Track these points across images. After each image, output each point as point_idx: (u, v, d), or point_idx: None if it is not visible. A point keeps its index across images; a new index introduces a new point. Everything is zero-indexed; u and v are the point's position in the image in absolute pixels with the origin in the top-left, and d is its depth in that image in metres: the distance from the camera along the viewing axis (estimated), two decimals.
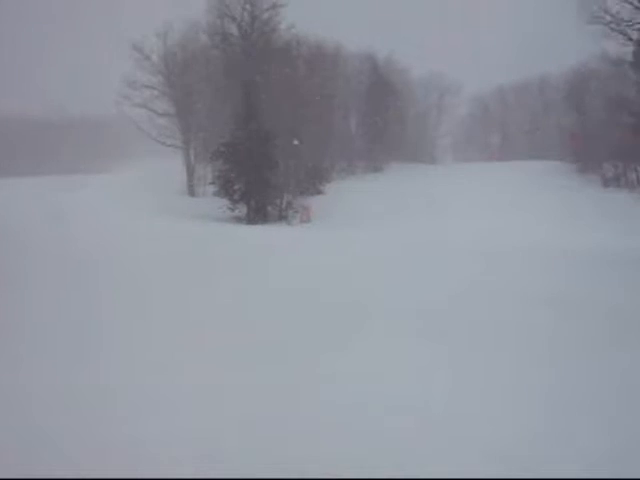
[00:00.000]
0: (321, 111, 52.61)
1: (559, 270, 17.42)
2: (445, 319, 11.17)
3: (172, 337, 9.81)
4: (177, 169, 54.13)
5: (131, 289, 13.52)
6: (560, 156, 64.23)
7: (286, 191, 44.39)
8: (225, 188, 42.43)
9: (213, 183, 44.30)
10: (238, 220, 40.70)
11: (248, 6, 49.41)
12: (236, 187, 42.32)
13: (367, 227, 36.24)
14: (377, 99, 62.60)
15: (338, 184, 54.33)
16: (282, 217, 43.30)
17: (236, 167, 42.36)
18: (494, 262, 19.11)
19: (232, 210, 41.28)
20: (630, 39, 23.65)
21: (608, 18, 22.61)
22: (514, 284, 14.85)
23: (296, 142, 43.84)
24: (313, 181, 49.61)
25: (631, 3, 20.49)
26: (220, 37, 49.10)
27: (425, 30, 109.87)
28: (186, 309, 11.79)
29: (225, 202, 41.55)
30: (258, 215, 41.93)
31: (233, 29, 49.33)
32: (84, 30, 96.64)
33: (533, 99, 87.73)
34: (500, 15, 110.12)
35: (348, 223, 39.49)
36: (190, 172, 51.06)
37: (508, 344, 9.51)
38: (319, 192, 50.04)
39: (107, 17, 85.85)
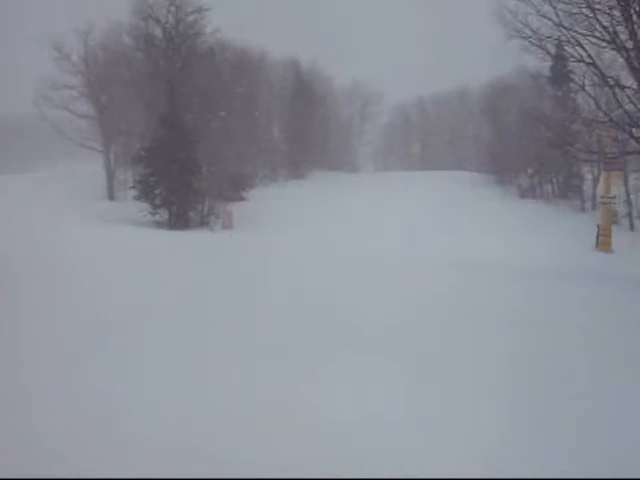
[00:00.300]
0: (244, 117, 52.64)
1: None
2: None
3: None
4: (96, 173, 53.30)
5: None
6: (479, 167, 65.99)
7: (208, 197, 44.17)
8: (146, 192, 41.96)
9: (134, 187, 43.73)
10: (159, 225, 40.29)
11: (173, 9, 48.81)
12: (157, 192, 41.93)
13: (289, 234, 36.44)
14: (300, 106, 63.04)
15: (261, 191, 54.46)
16: (204, 223, 43.10)
17: (157, 171, 41.97)
18: (410, 273, 19.47)
19: (153, 215, 40.89)
20: (549, 54, 24.63)
21: (528, 32, 23.47)
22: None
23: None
24: (235, 187, 49.50)
25: (551, 19, 21.35)
26: (144, 39, 48.41)
27: (348, 39, 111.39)
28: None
29: (146, 206, 41.14)
30: (179, 220, 41.62)
31: (157, 32, 48.69)
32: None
33: (453, 110, 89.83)
34: (422, 26, 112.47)
35: (270, 229, 39.66)
36: (110, 176, 50.26)
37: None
38: (241, 198, 50.00)
39: (25, 14, 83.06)
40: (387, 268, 19.69)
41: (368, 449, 5.83)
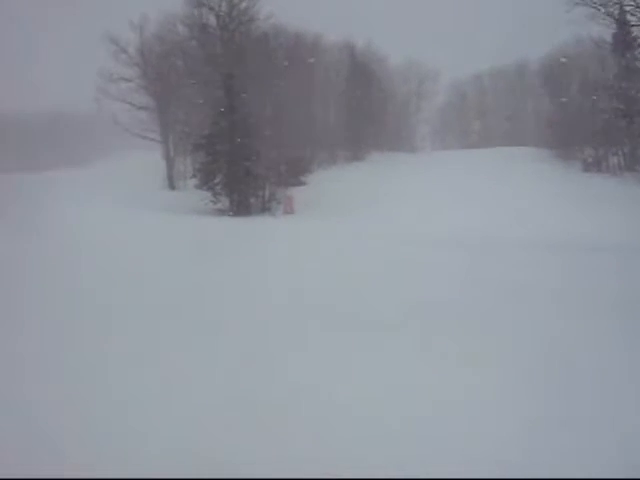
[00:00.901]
0: (301, 101, 52.46)
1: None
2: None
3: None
4: (155, 163, 53.76)
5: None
6: (539, 142, 64.39)
7: (268, 182, 44.12)
8: (206, 181, 42.15)
9: (194, 176, 44.02)
10: (221, 213, 40.44)
11: None
12: (217, 180, 42.08)
13: (351, 217, 36.12)
14: (357, 88, 62.40)
15: (320, 174, 54.12)
16: (265, 209, 43.06)
17: (217, 159, 42.12)
18: (481, 255, 19.02)
19: (214, 203, 41.04)
20: (615, 19, 23.68)
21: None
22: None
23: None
24: (295, 172, 49.32)
25: None
26: (198, 28, 48.55)
27: (402, 17, 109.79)
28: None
29: (207, 195, 41.35)
30: (241, 207, 41.67)
31: (211, 19, 48.83)
32: (57, 22, 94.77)
33: (511, 85, 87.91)
34: (478, 1, 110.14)
35: (332, 213, 39.36)
36: (170, 165, 50.64)
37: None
38: (301, 183, 49.79)
39: (81, 9, 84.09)
40: (469, 253, 19.25)
41: None
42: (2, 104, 72.89)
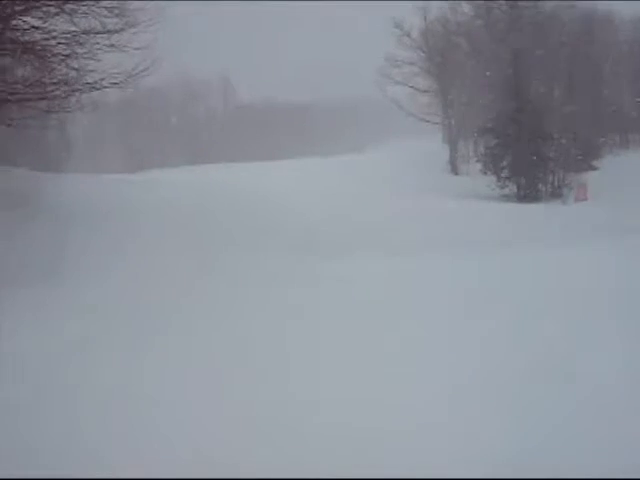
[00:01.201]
0: (591, 81, 48.73)
1: None
2: None
3: None
4: (434, 148, 52.93)
5: None
6: None
7: (558, 167, 41.29)
8: (492, 165, 40.50)
9: (479, 161, 42.56)
10: (507, 199, 38.53)
11: None
12: (504, 164, 40.22)
13: None
14: None
15: (611, 159, 49.93)
16: (555, 195, 40.31)
17: (504, 142, 40.21)
18: None
19: (501, 188, 39.24)
20: None
21: None
22: None
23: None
24: (586, 156, 45.78)
25: None
26: (484, 6, 46.84)
27: None
28: None
29: (492, 179, 39.67)
30: (529, 193, 39.40)
31: None
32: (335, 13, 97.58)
33: None
34: None
35: (630, 201, 35.70)
36: (453, 149, 49.50)
37: None
38: (593, 168, 46.11)
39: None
40: None
41: None
42: (293, 94, 76.47)
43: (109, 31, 15.39)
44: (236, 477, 5.05)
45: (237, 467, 5.22)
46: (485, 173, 40.78)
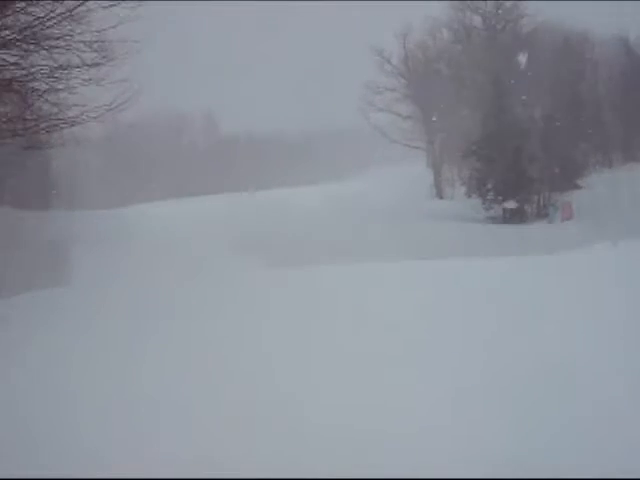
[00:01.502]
0: (570, 101, 49.09)
1: None
2: None
3: None
4: (418, 173, 52.99)
5: None
6: None
7: (543, 187, 41.44)
8: (477, 188, 40.65)
9: (464, 184, 42.72)
10: (494, 220, 38.65)
11: None
12: (489, 186, 40.34)
13: None
14: (632, 85, 57.21)
15: (594, 178, 50.13)
16: (540, 215, 40.42)
17: (488, 165, 40.38)
18: None
19: (487, 210, 39.31)
20: None
21: None
22: None
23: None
24: (568, 175, 45.95)
25: None
26: (463, 31, 47.32)
27: None
28: None
29: (478, 202, 39.79)
30: (515, 214, 39.47)
31: (476, 20, 47.40)
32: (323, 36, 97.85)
33: None
34: None
35: (615, 220, 35.71)
36: (436, 173, 49.63)
37: None
38: (576, 187, 46.26)
39: (346, 26, 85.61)
40: None
41: None
42: (273, 124, 76.47)
43: (87, 65, 15.23)
44: (236, 477, 5.03)
45: (237, 467, 5.21)
46: (469, 196, 40.87)
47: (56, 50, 15.57)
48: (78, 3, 14.90)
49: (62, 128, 16.32)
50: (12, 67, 15.83)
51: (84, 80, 15.62)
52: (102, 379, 7.48)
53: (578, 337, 8.19)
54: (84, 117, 15.82)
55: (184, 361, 8.14)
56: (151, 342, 9.05)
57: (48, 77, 15.48)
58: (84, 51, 15.60)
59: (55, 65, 15.64)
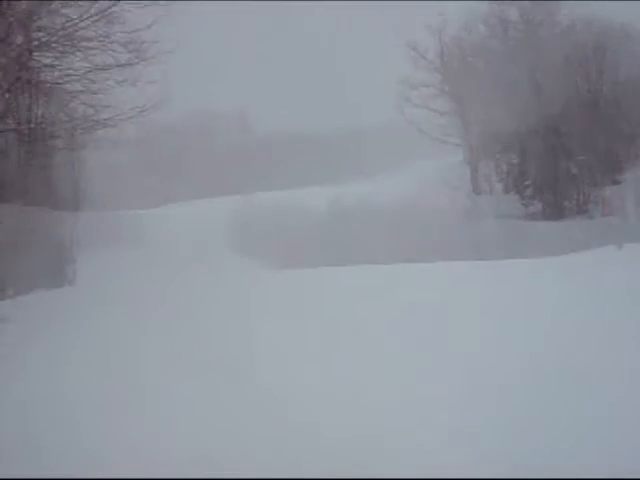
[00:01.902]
0: (611, 94, 48.15)
1: None
2: None
3: None
4: (455, 169, 52.29)
5: None
6: None
7: (583, 183, 40.64)
8: (515, 184, 40.05)
9: (501, 180, 42.10)
10: (533, 217, 38.02)
11: None
12: (527, 182, 39.71)
13: None
14: None
15: (634, 172, 49.14)
16: (580, 211, 39.61)
17: (527, 161, 39.76)
18: None
19: (526, 206, 38.68)
20: None
21: None
22: None
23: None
24: (608, 170, 45.07)
25: None
26: (500, 25, 46.58)
27: None
28: None
29: (516, 198, 39.20)
30: (554, 210, 38.75)
31: (513, 14, 46.59)
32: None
33: None
34: None
35: None
36: (473, 169, 48.94)
37: None
38: (616, 182, 45.35)
39: (384, 23, 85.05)
40: None
41: None
42: (305, 122, 76.18)
43: (122, 65, 15.16)
44: (236, 477, 5.01)
45: (237, 467, 5.17)
46: (507, 192, 40.23)
47: (91, 51, 15.54)
48: (112, 3, 14.82)
49: (97, 129, 16.31)
50: (48, 69, 15.83)
51: (118, 82, 15.56)
52: (102, 379, 7.53)
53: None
54: (118, 118, 15.76)
55: (184, 361, 8.16)
56: (151, 342, 9.16)
57: (83, 78, 15.45)
58: (119, 52, 15.61)
59: (90, 66, 15.61)
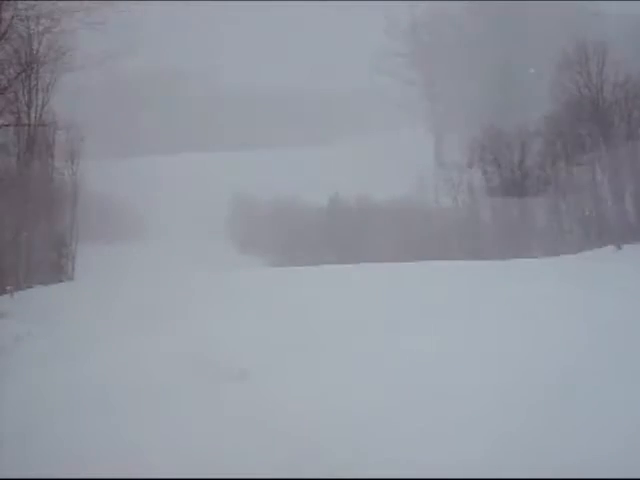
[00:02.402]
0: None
1: None
2: None
3: None
4: (420, 139, 52.32)
5: None
6: None
7: (545, 161, 40.98)
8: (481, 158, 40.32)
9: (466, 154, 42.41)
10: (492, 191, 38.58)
11: None
12: (492, 157, 40.00)
13: None
14: None
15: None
16: (539, 190, 40.09)
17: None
18: None
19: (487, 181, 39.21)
20: None
21: None
22: None
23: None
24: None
25: None
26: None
27: None
28: None
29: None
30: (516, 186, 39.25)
31: None
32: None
33: None
34: None
35: None
36: (438, 140, 49.31)
37: None
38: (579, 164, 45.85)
39: None
40: None
41: None
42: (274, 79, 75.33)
43: (88, 8, 14.64)
44: (236, 477, 5.00)
45: (237, 467, 5.17)
46: (471, 167, 40.52)
47: None
48: None
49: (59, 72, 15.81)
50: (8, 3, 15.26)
51: (84, 24, 15.02)
52: (102, 379, 7.59)
53: None
54: (82, 63, 15.29)
55: (184, 361, 8.18)
56: (152, 341, 9.22)
57: (46, 18, 14.90)
58: None
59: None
